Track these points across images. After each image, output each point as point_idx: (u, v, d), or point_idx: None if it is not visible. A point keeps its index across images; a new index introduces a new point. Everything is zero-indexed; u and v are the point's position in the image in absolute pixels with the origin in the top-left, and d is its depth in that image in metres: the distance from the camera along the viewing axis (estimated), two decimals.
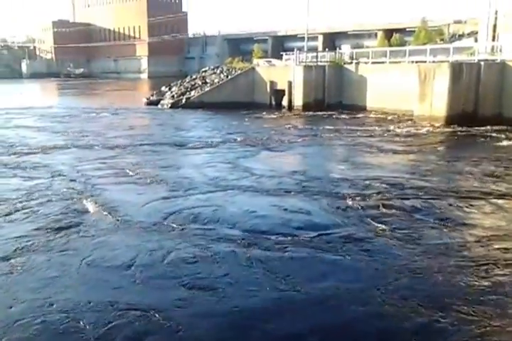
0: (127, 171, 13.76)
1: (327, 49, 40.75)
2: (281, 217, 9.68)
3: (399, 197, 10.90)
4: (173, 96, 33.99)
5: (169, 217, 9.59)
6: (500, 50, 25.33)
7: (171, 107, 32.42)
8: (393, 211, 9.95)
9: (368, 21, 72.89)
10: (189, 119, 27.16)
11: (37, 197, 10.95)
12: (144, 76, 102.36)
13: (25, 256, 7.77)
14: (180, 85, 35.79)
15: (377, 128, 22.64)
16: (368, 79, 29.10)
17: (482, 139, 19.43)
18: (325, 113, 28.49)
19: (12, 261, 7.58)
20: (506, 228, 9.01)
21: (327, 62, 32.76)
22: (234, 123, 25.54)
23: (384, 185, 11.97)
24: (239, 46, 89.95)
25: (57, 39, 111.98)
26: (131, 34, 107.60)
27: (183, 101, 32.71)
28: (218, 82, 33.19)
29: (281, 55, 41.13)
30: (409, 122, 23.76)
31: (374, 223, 9.21)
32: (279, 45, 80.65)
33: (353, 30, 73.16)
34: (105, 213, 9.89)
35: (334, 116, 27.53)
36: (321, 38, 75.28)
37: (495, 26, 29.31)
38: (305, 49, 37.00)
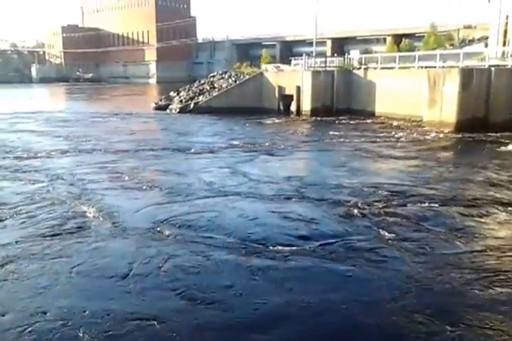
0: (126, 176, 13.62)
1: (335, 54, 40.64)
2: (284, 225, 9.40)
3: (407, 205, 10.61)
4: (181, 101, 33.97)
5: (168, 223, 9.37)
6: (511, 56, 25.08)
7: (179, 112, 32.38)
8: (401, 220, 9.70)
9: (377, 26, 72.89)
10: (196, 124, 27.05)
11: (34, 202, 10.81)
12: (153, 81, 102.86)
13: (15, 263, 7.55)
14: (189, 90, 35.76)
15: (385, 134, 22.37)
16: (377, 84, 28.91)
17: (493, 145, 19.13)
18: (333, 118, 28.26)
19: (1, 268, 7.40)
20: None
21: (336, 67, 32.61)
22: (241, 128, 25.41)
23: (390, 193, 11.66)
24: (247, 51, 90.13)
25: (66, 44, 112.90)
26: (140, 39, 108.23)
27: (191, 106, 32.67)
28: (226, 87, 33.12)
29: (290, 60, 41.11)
30: (419, 128, 23.48)
31: (380, 231, 8.94)
32: (288, 50, 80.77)
33: (362, 36, 73.15)
34: (101, 219, 9.70)
35: (342, 122, 27.29)
36: (329, 43, 75.31)
37: (505, 31, 29.00)
38: (313, 54, 36.90)
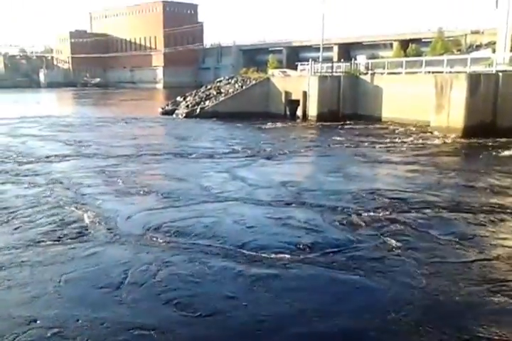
0: (124, 181, 13.53)
1: (342, 59, 40.59)
2: (284, 232, 9.20)
3: (413, 211, 10.43)
4: (187, 106, 33.99)
5: (164, 229, 9.23)
6: None
7: (185, 117, 32.40)
8: (408, 228, 9.54)
9: (384, 32, 72.78)
10: (202, 129, 26.99)
11: (30, 207, 10.73)
12: (160, 86, 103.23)
13: (5, 271, 7.37)
14: (195, 95, 35.79)
15: (391, 139, 22.16)
16: (384, 89, 28.79)
17: (500, 151, 18.93)
18: (339, 123, 28.13)
19: None
20: None
21: (342, 72, 32.53)
22: (245, 133, 25.32)
23: (395, 200, 11.45)
24: (254, 56, 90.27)
25: (74, 49, 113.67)
26: (147, 44, 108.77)
27: (198, 111, 32.67)
28: (233, 92, 33.11)
29: (296, 65, 41.06)
30: (426, 133, 23.32)
31: (385, 239, 8.75)
32: (294, 56, 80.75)
33: (369, 41, 73.09)
34: (97, 224, 9.56)
35: (349, 127, 27.17)
36: (336, 48, 75.34)
37: None
38: (320, 59, 36.87)
